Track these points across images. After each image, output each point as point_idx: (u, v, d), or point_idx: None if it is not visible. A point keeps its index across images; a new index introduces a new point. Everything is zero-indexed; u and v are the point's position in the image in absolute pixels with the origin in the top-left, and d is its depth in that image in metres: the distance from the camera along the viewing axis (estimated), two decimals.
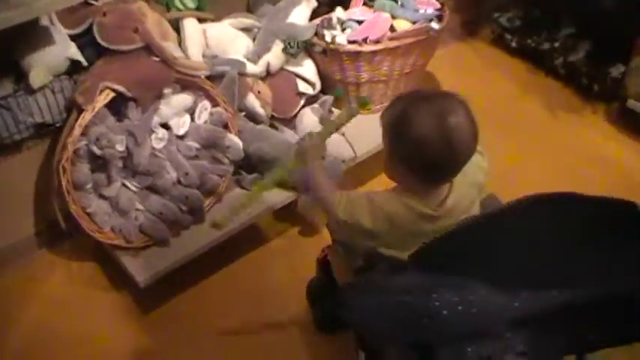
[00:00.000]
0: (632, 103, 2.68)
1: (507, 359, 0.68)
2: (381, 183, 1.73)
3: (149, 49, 1.92)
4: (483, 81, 3.05)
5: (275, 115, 2.30)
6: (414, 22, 2.31)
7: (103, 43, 1.90)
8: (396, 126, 1.26)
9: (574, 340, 0.76)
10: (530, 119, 2.85)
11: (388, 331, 0.82)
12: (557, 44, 2.93)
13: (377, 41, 2.24)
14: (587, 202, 0.84)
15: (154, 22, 1.98)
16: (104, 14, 1.91)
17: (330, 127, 1.70)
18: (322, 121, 1.66)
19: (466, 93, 3.05)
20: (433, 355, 0.71)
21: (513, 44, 3.12)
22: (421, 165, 1.24)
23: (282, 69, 2.30)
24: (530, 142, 2.72)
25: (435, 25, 2.29)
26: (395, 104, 1.29)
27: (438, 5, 2.42)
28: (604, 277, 0.85)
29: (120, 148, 1.87)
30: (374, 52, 2.24)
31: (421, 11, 2.34)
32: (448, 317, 0.69)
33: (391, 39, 2.25)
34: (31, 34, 1.82)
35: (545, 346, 0.70)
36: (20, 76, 1.86)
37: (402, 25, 2.30)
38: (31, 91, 1.84)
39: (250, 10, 2.40)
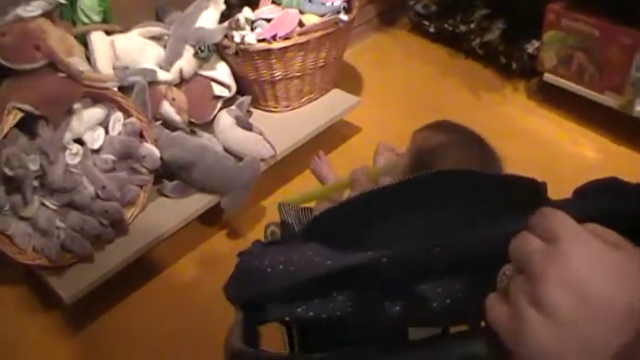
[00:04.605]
0: (548, 76, 2.74)
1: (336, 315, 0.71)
2: (305, 179, 1.74)
3: (54, 65, 1.91)
4: (405, 68, 3.09)
5: (193, 120, 2.29)
6: (322, 16, 2.32)
7: (6, 64, 1.87)
8: (422, 156, 1.17)
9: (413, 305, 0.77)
10: (453, 101, 2.87)
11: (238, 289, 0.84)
12: (472, 26, 2.97)
13: (286, 37, 2.25)
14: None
15: (56, 38, 1.96)
16: (3, 35, 1.89)
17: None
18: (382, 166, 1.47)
19: (389, 81, 3.09)
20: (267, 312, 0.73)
21: (431, 30, 3.16)
22: None
23: (196, 74, 2.29)
24: None
25: (342, 16, 2.31)
26: (434, 133, 1.22)
27: None
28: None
29: (33, 167, 1.85)
30: (284, 49, 2.24)
31: (328, 4, 2.35)
32: (271, 274, 0.72)
33: (300, 34, 2.26)
34: None
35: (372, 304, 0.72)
36: None
37: (311, 20, 2.31)
38: None
39: (159, 18, 2.40)
